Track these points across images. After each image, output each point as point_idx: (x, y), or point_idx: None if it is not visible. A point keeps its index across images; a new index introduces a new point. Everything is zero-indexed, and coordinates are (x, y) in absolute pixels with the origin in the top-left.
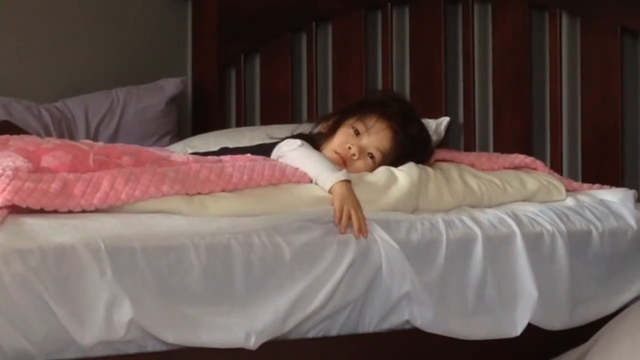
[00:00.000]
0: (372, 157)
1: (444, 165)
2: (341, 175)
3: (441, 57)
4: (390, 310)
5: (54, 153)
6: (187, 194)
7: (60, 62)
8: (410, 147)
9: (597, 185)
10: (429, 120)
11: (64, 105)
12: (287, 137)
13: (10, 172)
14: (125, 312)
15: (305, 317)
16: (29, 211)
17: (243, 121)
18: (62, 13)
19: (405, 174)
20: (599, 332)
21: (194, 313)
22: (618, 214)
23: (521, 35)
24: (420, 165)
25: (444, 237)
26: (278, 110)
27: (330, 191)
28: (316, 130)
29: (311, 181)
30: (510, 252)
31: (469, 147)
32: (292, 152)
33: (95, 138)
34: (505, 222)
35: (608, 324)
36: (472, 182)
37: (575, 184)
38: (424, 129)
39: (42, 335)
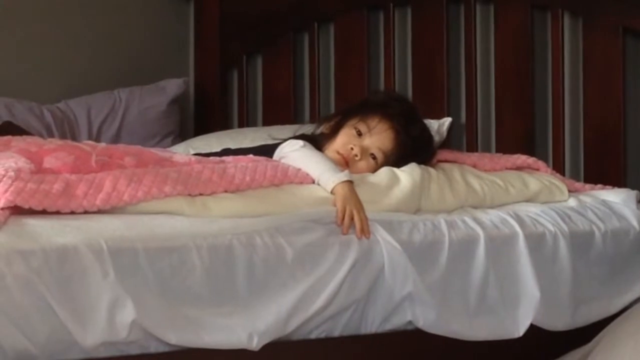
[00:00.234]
0: (374, 157)
1: (446, 165)
2: (343, 176)
3: (443, 58)
4: (392, 311)
5: (56, 154)
6: (189, 194)
7: (63, 63)
8: (413, 148)
9: (599, 185)
10: (431, 121)
11: (66, 106)
12: (289, 138)
13: (12, 173)
14: (127, 313)
15: (307, 318)
16: (32, 212)
17: (245, 122)
18: (64, 14)
19: (407, 175)
20: (601, 333)
21: (196, 314)
22: (620, 214)
23: (523, 36)
24: (423, 166)
25: (447, 238)
26: (280, 111)
27: (332, 192)
28: (318, 131)
29: (313, 182)
30: (513, 253)
31: (471, 148)
32: (295, 153)
33: (97, 139)
34: (507, 222)
35: (610, 324)
36: (475, 183)
37: (578, 185)
38: (426, 130)
39: (44, 336)
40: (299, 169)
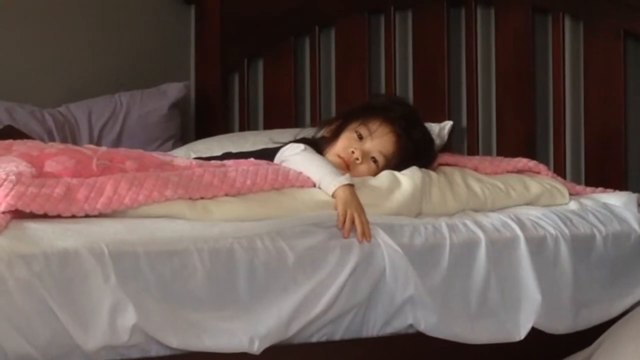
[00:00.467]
0: (375, 161)
1: (447, 169)
2: (344, 179)
3: (444, 61)
4: (393, 314)
5: (57, 158)
6: (190, 198)
7: (64, 66)
8: (414, 151)
9: (600, 189)
10: (432, 124)
11: (67, 110)
12: (290, 142)
13: (13, 177)
14: (128, 317)
15: (308, 322)
16: (33, 216)
17: (246, 125)
18: (65, 18)
19: (408, 178)
20: (602, 336)
21: (197, 318)
22: (621, 217)
23: (524, 39)
24: (424, 170)
25: (448, 241)
26: (281, 114)
27: (333, 195)
28: (319, 135)
29: (314, 185)
30: (514, 256)
31: (472, 151)
32: (295, 157)
33: (98, 143)
34: (508, 226)
35: (612, 327)
36: (476, 186)
37: (579, 188)
38: (427, 133)
39: (45, 340)
40: (300, 173)
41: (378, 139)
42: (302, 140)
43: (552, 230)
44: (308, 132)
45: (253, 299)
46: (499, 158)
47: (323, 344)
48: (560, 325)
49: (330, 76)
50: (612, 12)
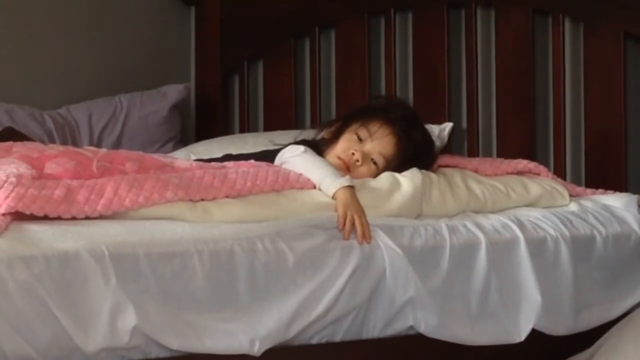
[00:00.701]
0: (375, 162)
1: (448, 170)
2: (345, 181)
3: (444, 63)
4: (394, 315)
5: (57, 160)
6: (190, 200)
7: (64, 68)
8: (414, 153)
9: (600, 190)
10: (432, 126)
11: (67, 112)
12: (290, 143)
13: (13, 179)
14: (129, 319)
15: (309, 323)
16: (33, 218)
17: (246, 127)
18: (65, 19)
19: (408, 180)
20: (602, 338)
21: (197, 319)
22: (621, 219)
23: (524, 40)
24: (424, 171)
25: (448, 243)
26: (281, 116)
27: (333, 197)
28: (319, 136)
29: (314, 187)
30: (514, 258)
31: (472, 153)
32: (296, 158)
33: (98, 144)
34: (508, 227)
35: (612, 329)
36: (476, 188)
37: (579, 189)
38: (427, 135)
39: (45, 342)
40: (300, 174)
41: (378, 141)
42: (302, 142)
43: (552, 232)
44: (308, 134)
45: (253, 300)
46: (499, 159)
47: (323, 346)
48: (560, 326)
49: (330, 78)
50: (612, 13)
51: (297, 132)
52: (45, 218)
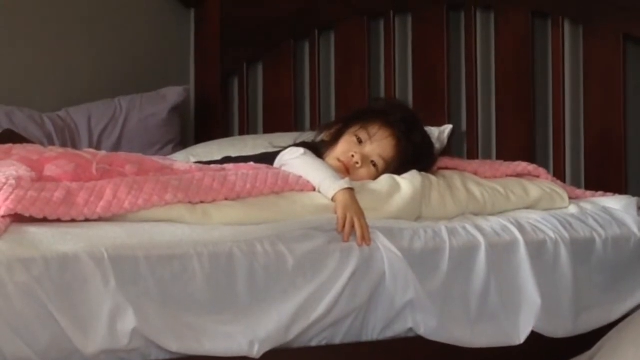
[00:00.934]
0: (375, 165)
1: (447, 173)
2: (344, 183)
3: (444, 64)
4: (393, 318)
5: (57, 162)
6: (190, 202)
7: (63, 71)
8: (414, 155)
9: (600, 192)
10: (432, 128)
11: (66, 114)
12: (290, 146)
13: (13, 181)
14: (128, 321)
15: (308, 325)
16: (32, 220)
17: (246, 129)
18: (64, 21)
19: (408, 182)
20: (602, 340)
21: (197, 321)
22: (621, 221)
23: (524, 42)
24: (424, 173)
25: (447, 245)
26: (281, 118)
27: (333, 199)
28: (319, 139)
29: (314, 189)
30: (514, 260)
31: (472, 155)
32: (295, 161)
33: (98, 147)
34: (508, 229)
35: (611, 331)
36: (475, 190)
37: (578, 192)
38: (427, 137)
39: (45, 344)
40: (300, 177)
41: (378, 143)
42: (302, 144)
43: (551, 234)
44: (308, 136)
45: (253, 302)
46: (499, 162)
47: (323, 348)
48: (560, 329)
49: (330, 80)
50: (611, 15)
51: (297, 134)
52: (44, 220)
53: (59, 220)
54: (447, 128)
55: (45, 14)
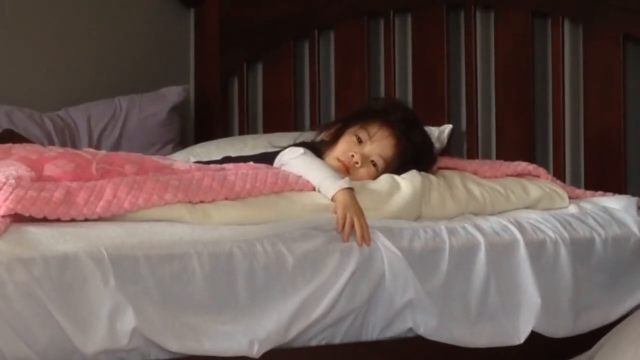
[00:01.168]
0: (374, 164)
1: (447, 172)
2: (344, 183)
3: (444, 64)
4: (393, 318)
5: (56, 162)
6: (190, 202)
7: (63, 70)
8: (413, 155)
9: (600, 192)
10: (432, 128)
11: (66, 114)
12: (289, 145)
13: (13, 181)
14: (128, 321)
15: (308, 325)
16: (32, 220)
17: (245, 129)
18: (64, 22)
19: (408, 182)
20: (602, 339)
21: (197, 321)
22: (621, 221)
23: (523, 42)
24: (423, 173)
25: (447, 245)
26: (281, 118)
27: (333, 199)
28: (319, 138)
29: (314, 189)
30: (513, 260)
31: (472, 155)
32: (295, 160)
33: (97, 146)
34: (508, 229)
35: (611, 331)
36: (475, 190)
37: (578, 191)
38: (426, 137)
39: (45, 344)
40: (300, 176)
41: (377, 143)
42: (302, 144)
43: (551, 234)
44: (307, 136)
45: (252, 302)
46: (499, 162)
47: (322, 348)
48: (559, 328)
49: (329, 80)
50: (611, 15)
51: (297, 134)
52: (44, 220)
53: (58, 220)
54: (447, 128)
55: (45, 14)
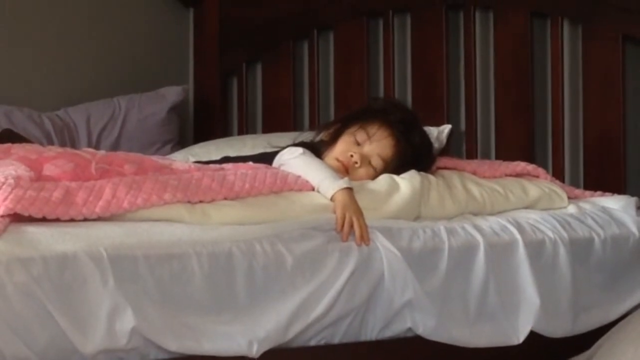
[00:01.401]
0: (374, 165)
1: (446, 172)
2: (343, 183)
3: (443, 65)
4: (392, 318)
5: (56, 161)
6: (189, 202)
7: (63, 70)
8: (413, 155)
9: (599, 192)
10: (431, 128)
11: (65, 114)
12: (288, 145)
13: (12, 181)
14: (127, 321)
15: (307, 325)
16: (31, 220)
17: (245, 129)
18: (63, 21)
19: (407, 182)
20: (601, 339)
21: (196, 321)
22: (620, 221)
23: (523, 43)
24: (422, 173)
25: (446, 245)
26: (280, 118)
27: (332, 199)
28: (318, 138)
29: (313, 189)
30: (512, 260)
31: (471, 155)
32: (294, 160)
33: (97, 146)
34: (507, 229)
35: (610, 331)
36: (474, 190)
37: (577, 191)
38: (426, 137)
39: (44, 344)
40: (299, 176)
41: (377, 143)
42: (301, 144)
43: (550, 234)
44: (307, 136)
45: (252, 302)
46: (498, 162)
47: (322, 348)
48: (558, 328)
49: (329, 80)
50: (610, 16)
51: (296, 134)
52: (43, 220)
53: (57, 220)
54: (446, 128)
55: (45, 13)
